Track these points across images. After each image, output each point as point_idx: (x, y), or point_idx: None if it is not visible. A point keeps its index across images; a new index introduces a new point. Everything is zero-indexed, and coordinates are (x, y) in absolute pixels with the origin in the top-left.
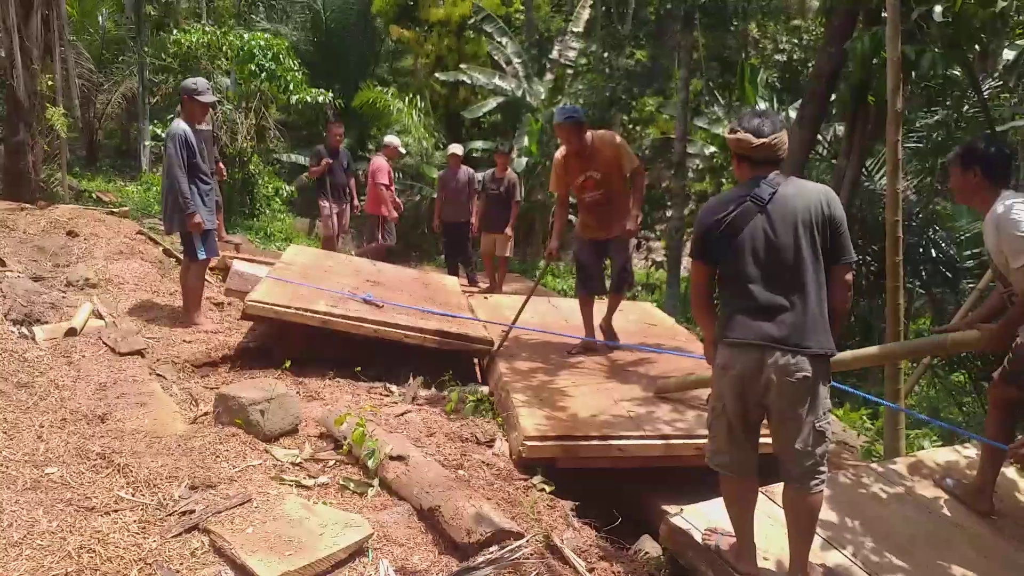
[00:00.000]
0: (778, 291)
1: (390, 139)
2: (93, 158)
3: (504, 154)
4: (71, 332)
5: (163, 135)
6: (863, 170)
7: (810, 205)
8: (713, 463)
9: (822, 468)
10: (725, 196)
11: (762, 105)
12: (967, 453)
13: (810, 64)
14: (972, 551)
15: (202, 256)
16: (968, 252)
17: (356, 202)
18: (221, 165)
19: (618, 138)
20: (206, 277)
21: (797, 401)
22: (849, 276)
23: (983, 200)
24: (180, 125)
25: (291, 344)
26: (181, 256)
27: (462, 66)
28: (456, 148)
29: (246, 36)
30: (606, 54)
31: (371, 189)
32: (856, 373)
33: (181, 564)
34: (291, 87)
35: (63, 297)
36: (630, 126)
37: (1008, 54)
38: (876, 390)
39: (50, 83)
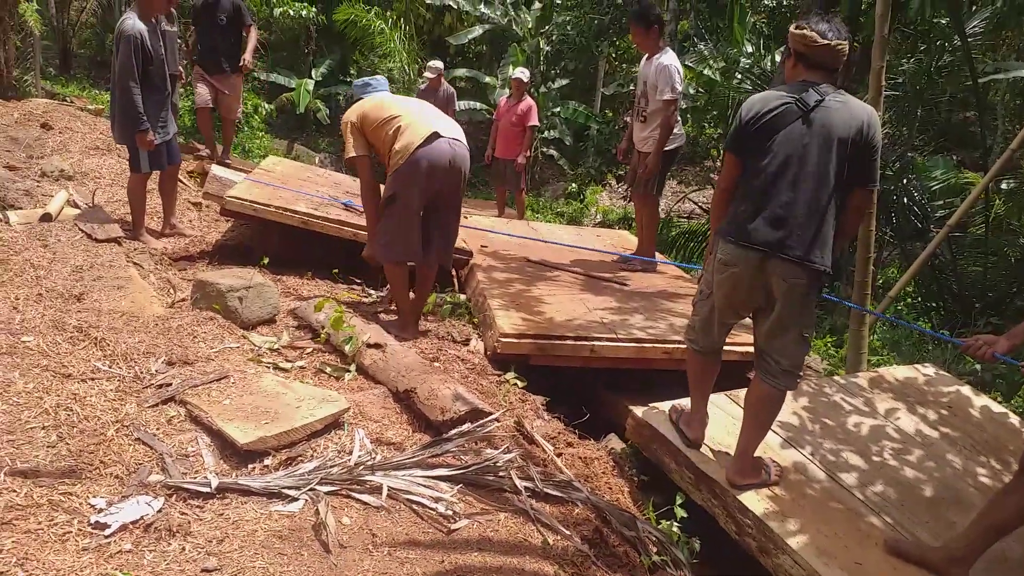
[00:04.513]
0: (795, 201)
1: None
2: (67, 66)
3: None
4: (46, 217)
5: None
6: None
7: (851, 123)
8: (686, 338)
9: (797, 372)
10: (771, 94)
11: (748, 48)
12: (926, 372)
13: (798, 10)
14: (926, 456)
15: (145, 169)
16: (940, 202)
17: (249, 59)
18: (181, 69)
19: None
20: (183, 180)
21: (790, 308)
22: (868, 202)
23: (655, 50)
24: (135, 24)
25: (269, 244)
26: None
27: None
28: (436, 63)
29: None
30: None
31: (519, 132)
32: (821, 306)
33: (158, 429)
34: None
35: (37, 186)
36: (616, 62)
37: None
38: (842, 322)
39: None
